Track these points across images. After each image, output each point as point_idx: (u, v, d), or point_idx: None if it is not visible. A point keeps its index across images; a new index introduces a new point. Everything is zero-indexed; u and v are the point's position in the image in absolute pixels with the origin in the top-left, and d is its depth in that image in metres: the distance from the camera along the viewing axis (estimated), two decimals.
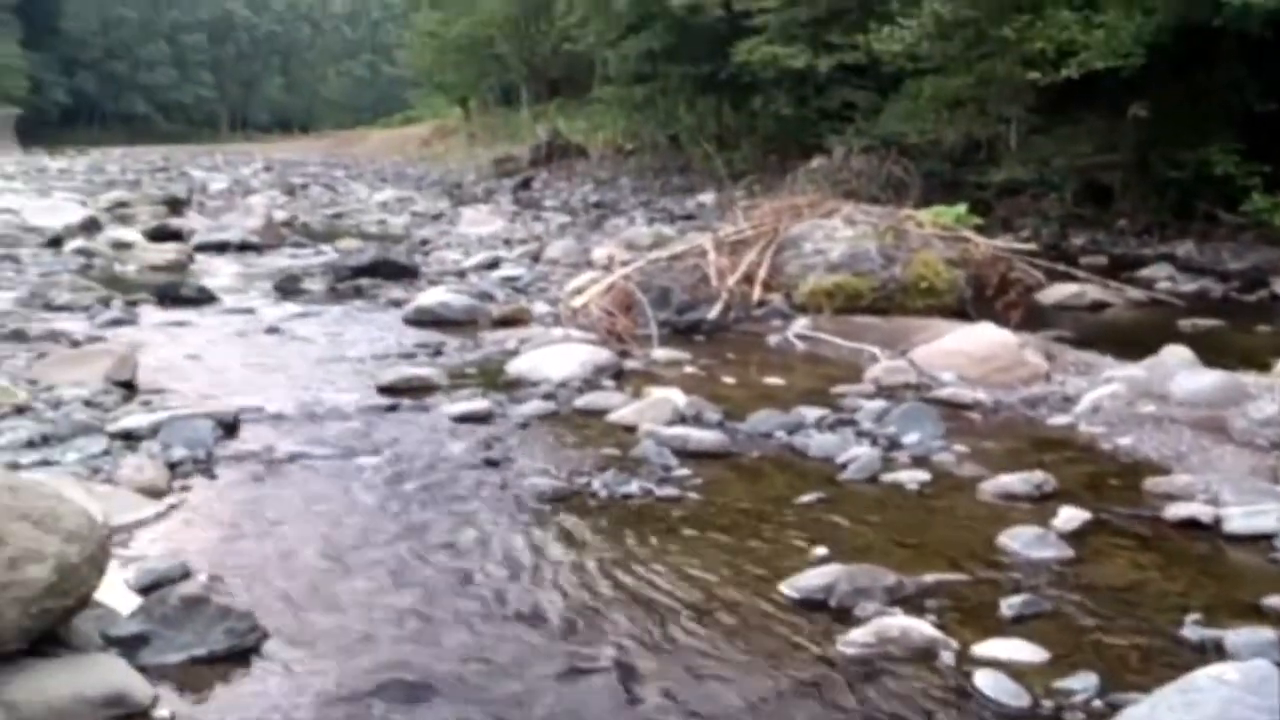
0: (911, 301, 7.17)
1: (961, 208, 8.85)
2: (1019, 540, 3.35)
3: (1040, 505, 3.69)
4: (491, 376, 5.63)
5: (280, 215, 14.99)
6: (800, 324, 6.83)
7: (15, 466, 3.77)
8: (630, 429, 4.58)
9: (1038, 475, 3.88)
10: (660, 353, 6.16)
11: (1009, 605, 2.91)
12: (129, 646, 2.59)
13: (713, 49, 19.49)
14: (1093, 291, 8.23)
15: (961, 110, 14.26)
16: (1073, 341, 6.43)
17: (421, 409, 4.93)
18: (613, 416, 4.80)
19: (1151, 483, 3.89)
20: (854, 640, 2.73)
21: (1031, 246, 9.14)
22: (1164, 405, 4.84)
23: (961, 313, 7.12)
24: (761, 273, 7.56)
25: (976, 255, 7.69)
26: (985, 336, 5.82)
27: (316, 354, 6.20)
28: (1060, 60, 11.35)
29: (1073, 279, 8.37)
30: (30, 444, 4.17)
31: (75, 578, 2.39)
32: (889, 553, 3.25)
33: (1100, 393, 5.02)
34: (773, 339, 6.67)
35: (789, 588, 3.01)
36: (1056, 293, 8.16)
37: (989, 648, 2.69)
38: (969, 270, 7.54)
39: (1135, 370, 5.30)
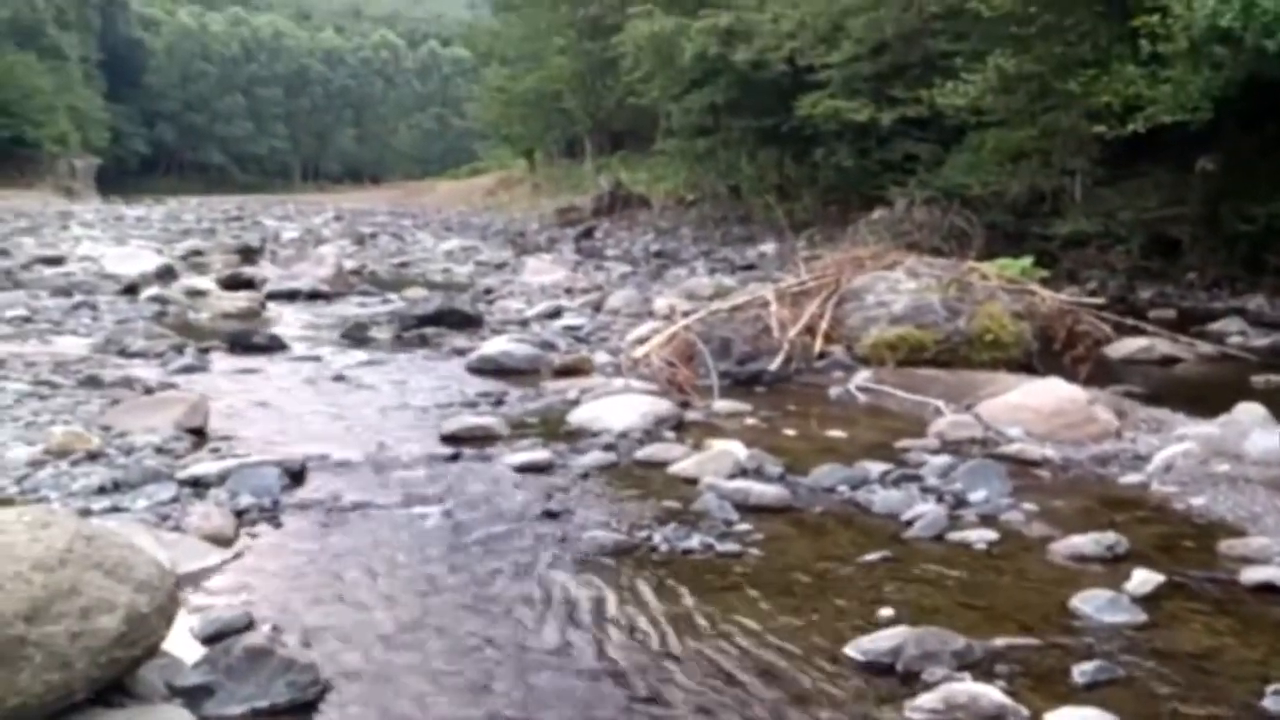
0: (976, 355, 7.10)
1: (1027, 260, 8.76)
2: (1091, 603, 3.26)
3: (1112, 567, 3.60)
4: (553, 426, 5.65)
5: (349, 264, 15.26)
6: (862, 376, 6.78)
7: (87, 512, 3.84)
8: (691, 481, 4.55)
9: (1109, 536, 3.78)
10: (721, 404, 6.14)
11: (1081, 671, 2.83)
12: (193, 697, 2.61)
13: (775, 102, 19.62)
14: (1162, 346, 8.08)
15: (1025, 162, 14.18)
16: (1143, 397, 6.30)
17: (483, 458, 4.96)
18: (673, 468, 4.78)
19: (1227, 545, 3.78)
20: (921, 706, 2.66)
21: (1098, 300, 9.00)
22: (1238, 465, 4.71)
23: (1028, 367, 7.02)
24: (823, 324, 7.53)
25: (1043, 308, 7.60)
26: (1053, 391, 5.72)
27: (382, 402, 6.26)
28: (1126, 114, 11.25)
29: (1141, 333, 8.22)
30: (102, 490, 4.25)
31: (144, 628, 2.42)
32: (957, 615, 3.18)
33: (1173, 451, 4.91)
34: (834, 391, 6.62)
35: (854, 650, 2.95)
36: (1125, 347, 8.02)
37: (1061, 716, 2.61)
38: (1035, 323, 7.44)
39: (1208, 428, 5.18)
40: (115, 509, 4.03)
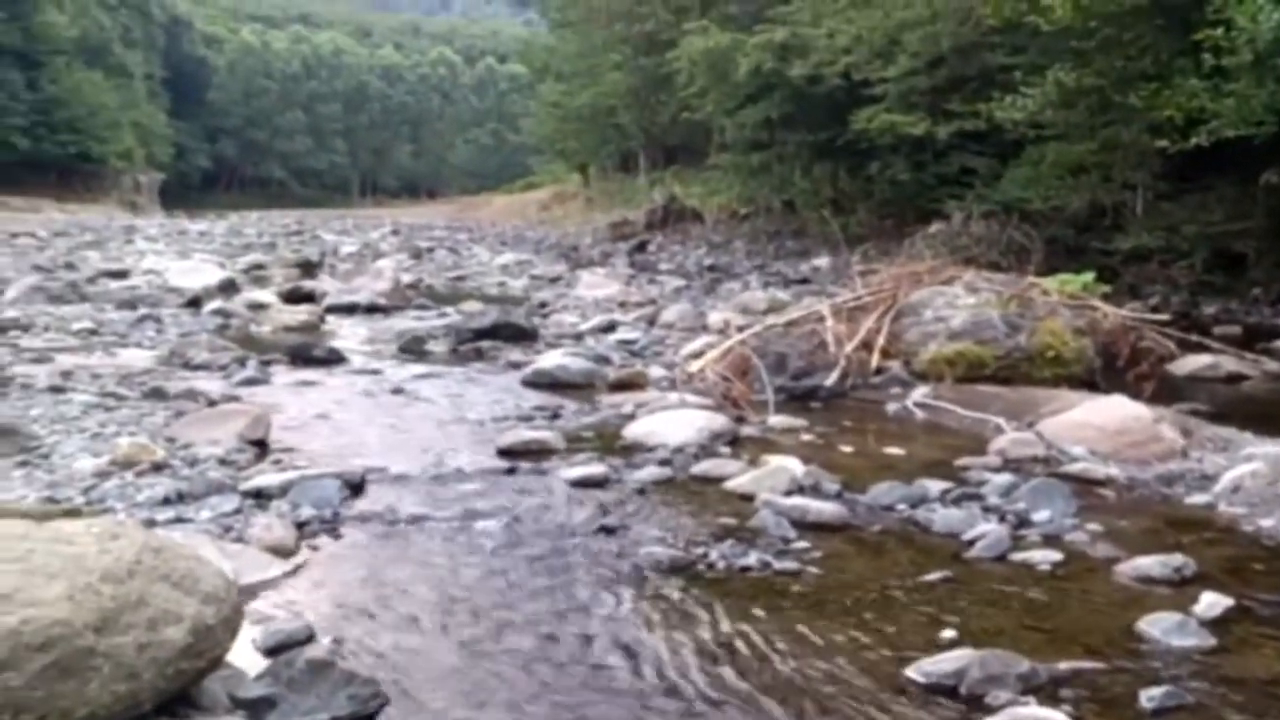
0: (1037, 371, 7.00)
1: (1089, 275, 8.63)
2: (1158, 627, 3.19)
3: (1180, 590, 3.51)
4: (608, 440, 5.65)
5: (406, 278, 15.42)
6: (920, 392, 6.71)
7: (151, 523, 3.90)
8: (747, 498, 4.53)
9: (1177, 558, 3.70)
10: (776, 419, 6.11)
11: (1149, 697, 2.76)
12: (255, 710, 2.63)
13: (830, 117, 19.55)
14: (1228, 363, 7.91)
15: (1085, 176, 13.99)
16: (1208, 416, 6.16)
17: (539, 472, 4.97)
18: (729, 484, 4.76)
19: None
20: None
21: (1161, 315, 8.84)
22: None
23: (1090, 384, 6.91)
24: (880, 339, 7.46)
25: (1105, 324, 7.47)
26: (1117, 409, 5.62)
27: (439, 415, 6.31)
28: (1189, 128, 11.07)
29: (1206, 349, 8.06)
30: (166, 501, 4.32)
31: (210, 639, 2.45)
32: (1021, 637, 3.13)
33: (1241, 471, 4.79)
34: (891, 407, 6.56)
35: (915, 672, 2.91)
36: (1189, 364, 7.86)
37: None
38: (1097, 339, 7.33)
39: (1277, 448, 5.06)
40: (179, 520, 4.09)
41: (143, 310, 11.26)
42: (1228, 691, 2.84)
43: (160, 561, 2.47)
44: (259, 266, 17.89)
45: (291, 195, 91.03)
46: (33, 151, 56.65)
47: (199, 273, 14.84)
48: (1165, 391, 6.80)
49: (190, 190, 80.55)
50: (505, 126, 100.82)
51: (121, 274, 15.97)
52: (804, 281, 15.57)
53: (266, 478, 4.61)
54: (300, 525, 4.07)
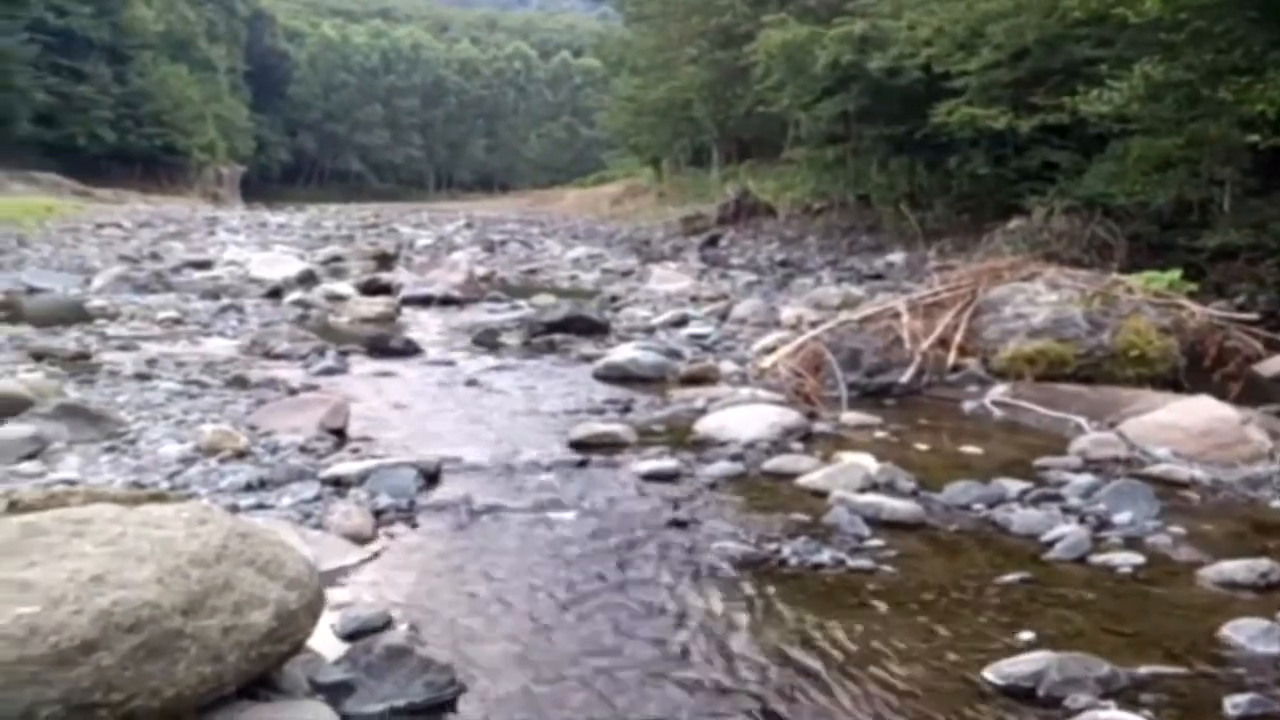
0: (1121, 371, 6.85)
1: (1175, 273, 8.42)
2: (1243, 633, 3.11)
3: (1265, 595, 3.43)
4: (679, 435, 5.65)
5: (480, 270, 15.56)
6: (998, 391, 6.61)
7: (235, 509, 3.99)
8: (820, 494, 4.50)
9: (1263, 563, 3.60)
10: (849, 416, 6.06)
11: (1234, 704, 2.70)
12: (335, 694, 2.68)
13: (908, 110, 19.28)
14: None
15: (1171, 172, 13.64)
16: None
17: (611, 465, 4.99)
18: (802, 480, 4.73)
19: None
20: None
21: (1249, 315, 8.60)
22: None
23: (1174, 384, 6.75)
24: (958, 336, 7.37)
25: (1191, 323, 7.29)
26: (1203, 410, 5.49)
27: (511, 407, 6.36)
28: None
29: None
30: (248, 487, 4.41)
31: (293, 624, 2.50)
32: (1100, 640, 3.07)
33: None
34: (968, 405, 6.47)
35: (993, 673, 2.87)
36: (1277, 364, 7.64)
37: None
38: (1183, 339, 7.15)
39: None
40: (261, 506, 4.18)
41: (225, 300, 11.53)
42: None
43: (246, 546, 2.52)
44: (337, 258, 18.18)
45: (369, 188, 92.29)
46: (119, 144, 58.08)
47: (279, 264, 15.13)
48: (1252, 392, 6.63)
49: (270, 183, 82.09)
50: (579, 121, 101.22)
51: (205, 264, 16.34)
52: (878, 277, 15.41)
53: (345, 466, 4.69)
54: (378, 513, 4.14)
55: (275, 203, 58.19)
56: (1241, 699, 2.72)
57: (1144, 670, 2.87)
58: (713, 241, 23.53)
